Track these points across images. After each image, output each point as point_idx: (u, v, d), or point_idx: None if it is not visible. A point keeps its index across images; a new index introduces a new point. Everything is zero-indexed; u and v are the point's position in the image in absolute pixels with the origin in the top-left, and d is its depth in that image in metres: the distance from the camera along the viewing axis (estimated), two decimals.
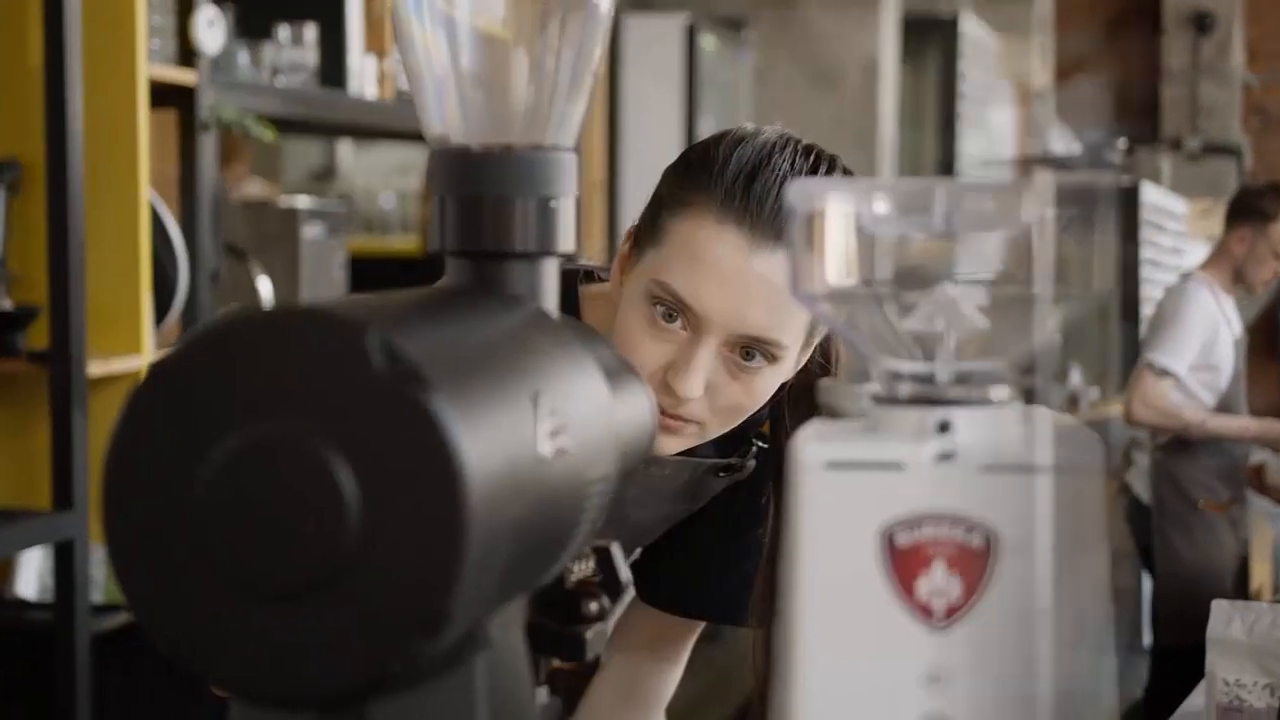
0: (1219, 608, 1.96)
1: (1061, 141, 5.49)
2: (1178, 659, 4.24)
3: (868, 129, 5.58)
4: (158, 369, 0.63)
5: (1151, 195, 7.22)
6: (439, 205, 0.79)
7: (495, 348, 0.70)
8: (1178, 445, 4.34)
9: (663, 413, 1.26)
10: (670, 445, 1.30)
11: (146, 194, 2.48)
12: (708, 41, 6.08)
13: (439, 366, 0.62)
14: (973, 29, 7.47)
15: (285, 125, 3.18)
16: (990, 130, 8.25)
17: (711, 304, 1.23)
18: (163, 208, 2.57)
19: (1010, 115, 9.00)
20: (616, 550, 0.89)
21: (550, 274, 0.81)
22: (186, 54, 2.64)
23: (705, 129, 6.46)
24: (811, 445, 0.69)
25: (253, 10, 3.00)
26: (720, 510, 1.45)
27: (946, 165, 7.39)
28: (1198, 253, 8.44)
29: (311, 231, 3.04)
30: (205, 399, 0.62)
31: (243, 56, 2.92)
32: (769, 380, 1.28)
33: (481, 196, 0.79)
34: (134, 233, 2.47)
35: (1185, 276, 4.53)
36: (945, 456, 0.68)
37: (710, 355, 1.25)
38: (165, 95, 2.61)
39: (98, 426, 2.37)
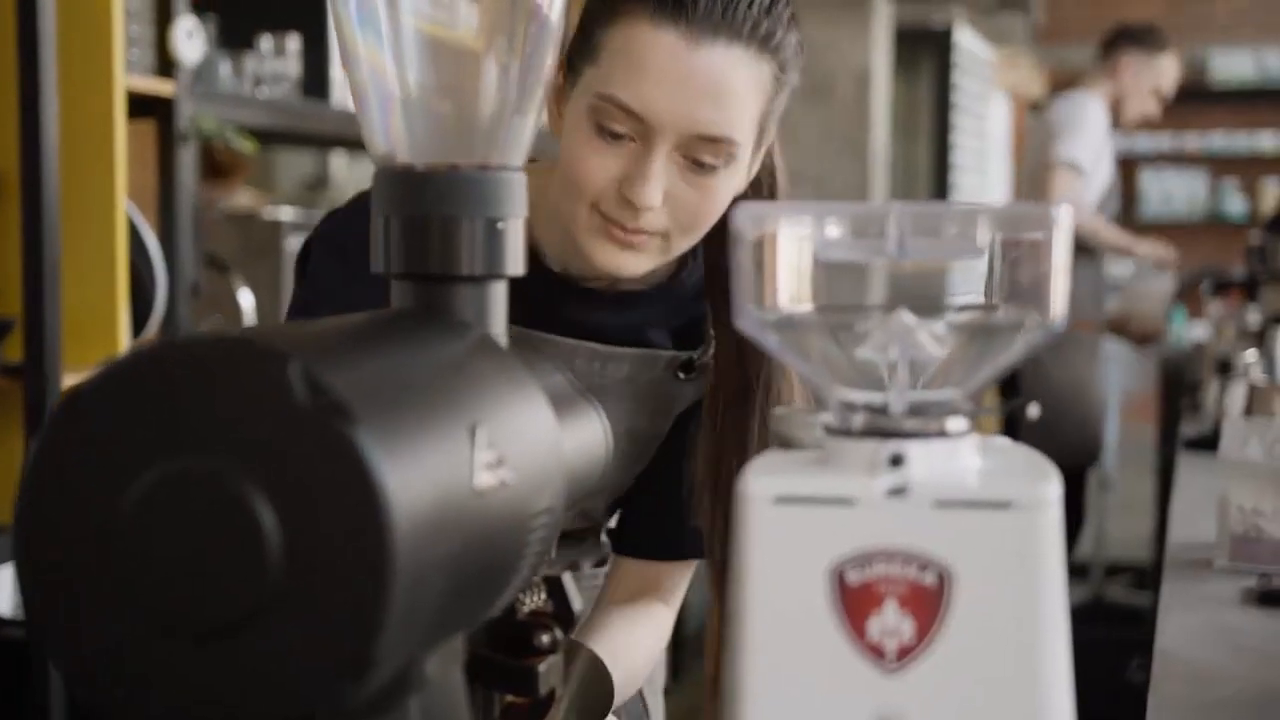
0: (1233, 426, 1.84)
1: None
2: None
3: (860, 139, 5.56)
4: (75, 397, 0.60)
5: (965, 39, 7.25)
6: (383, 226, 0.77)
7: (432, 377, 0.67)
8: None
9: (623, 228, 1.24)
10: (636, 263, 1.27)
11: (124, 205, 2.45)
12: None
13: (366, 398, 0.59)
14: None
15: (267, 136, 3.15)
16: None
17: (658, 107, 1.20)
18: (140, 219, 2.54)
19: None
20: (568, 580, 0.86)
21: (499, 297, 0.78)
22: (166, 65, 2.61)
23: None
24: (760, 479, 0.67)
25: (235, 20, 2.97)
26: (679, 444, 1.42)
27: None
28: (999, 103, 8.52)
29: (296, 243, 3.01)
30: (124, 430, 0.60)
31: (224, 67, 2.90)
32: (725, 184, 1.25)
33: (427, 217, 0.76)
34: (111, 244, 2.44)
35: (1055, 99, 4.69)
36: (897, 491, 0.66)
37: (664, 161, 1.22)
38: (144, 106, 2.59)
39: None
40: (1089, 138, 4.28)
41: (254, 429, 0.58)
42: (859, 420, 0.69)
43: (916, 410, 0.69)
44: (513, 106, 0.80)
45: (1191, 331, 6.52)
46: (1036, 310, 0.68)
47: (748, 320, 0.69)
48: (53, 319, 2.30)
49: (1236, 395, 2.95)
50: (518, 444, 0.69)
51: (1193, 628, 1.54)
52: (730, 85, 1.20)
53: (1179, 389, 4.72)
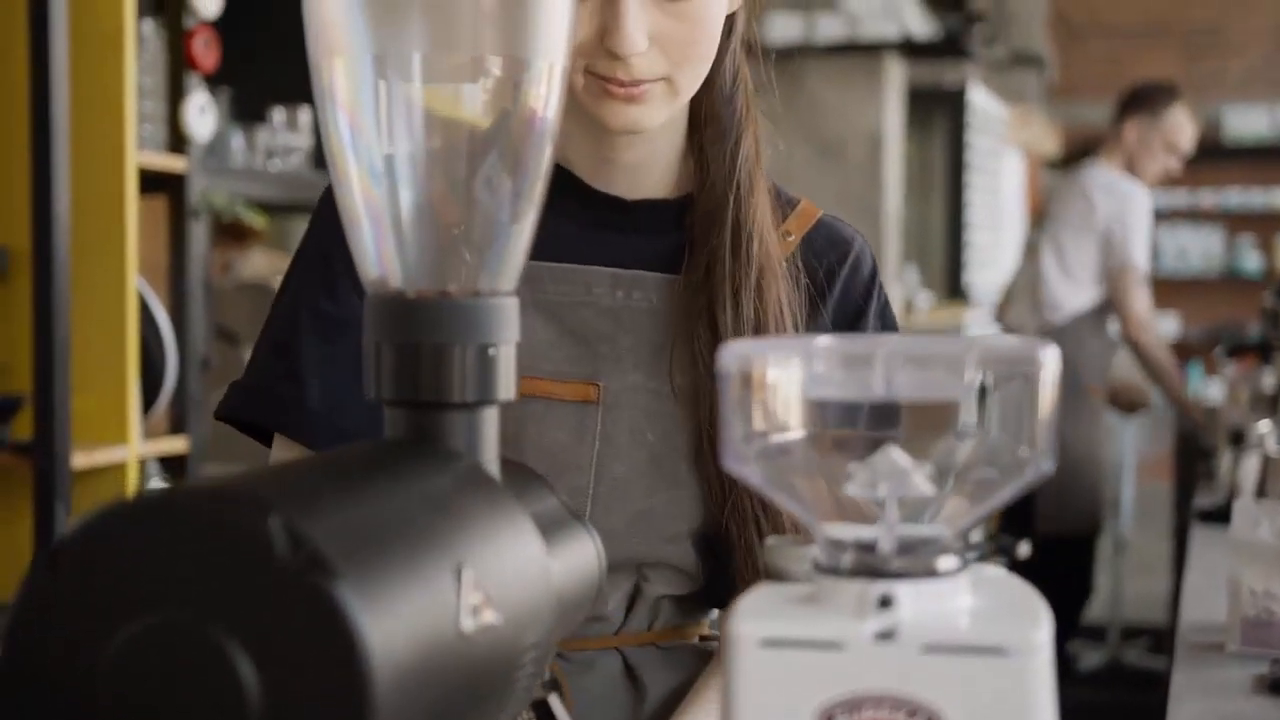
0: (1243, 507, 1.81)
1: (919, 22, 5.48)
2: (1059, 549, 4.25)
3: (873, 202, 5.57)
4: (58, 548, 0.60)
5: (978, 98, 7.25)
6: (374, 352, 0.77)
7: (418, 517, 0.67)
8: (1069, 329, 4.36)
9: (619, 83, 1.17)
10: (648, 115, 1.20)
11: (134, 282, 2.46)
12: None
13: (348, 548, 0.59)
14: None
15: (279, 207, 3.17)
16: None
17: None
18: (151, 295, 2.55)
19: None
20: (555, 702, 0.86)
21: (490, 423, 0.78)
22: (178, 140, 2.63)
23: None
24: (748, 621, 0.66)
25: (248, 94, 2.99)
26: None
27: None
28: (1013, 160, 8.55)
29: None
30: (106, 582, 0.59)
31: (237, 140, 2.91)
32: (709, 4, 1.18)
33: (418, 345, 0.76)
34: (121, 321, 2.45)
35: (1084, 167, 4.61)
36: (886, 635, 0.65)
37: (636, 2, 1.15)
38: (156, 181, 2.60)
39: None
40: (1146, 236, 4.33)
41: (235, 582, 0.58)
42: (847, 559, 0.68)
43: (906, 548, 0.68)
44: (506, 226, 0.80)
45: (1208, 389, 6.50)
46: (1027, 448, 0.68)
47: (733, 457, 0.69)
48: (62, 397, 2.31)
49: (1250, 467, 2.94)
50: (505, 581, 0.69)
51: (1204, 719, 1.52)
52: None
53: (1193, 451, 4.70)
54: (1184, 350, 10.10)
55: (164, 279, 2.63)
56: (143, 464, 2.58)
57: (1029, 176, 9.37)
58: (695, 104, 1.26)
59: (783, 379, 0.69)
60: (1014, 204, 8.89)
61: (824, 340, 0.71)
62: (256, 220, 2.73)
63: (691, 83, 1.20)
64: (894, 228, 5.77)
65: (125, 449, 2.47)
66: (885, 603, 0.66)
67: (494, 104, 0.78)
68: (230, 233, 3.55)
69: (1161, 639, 5.17)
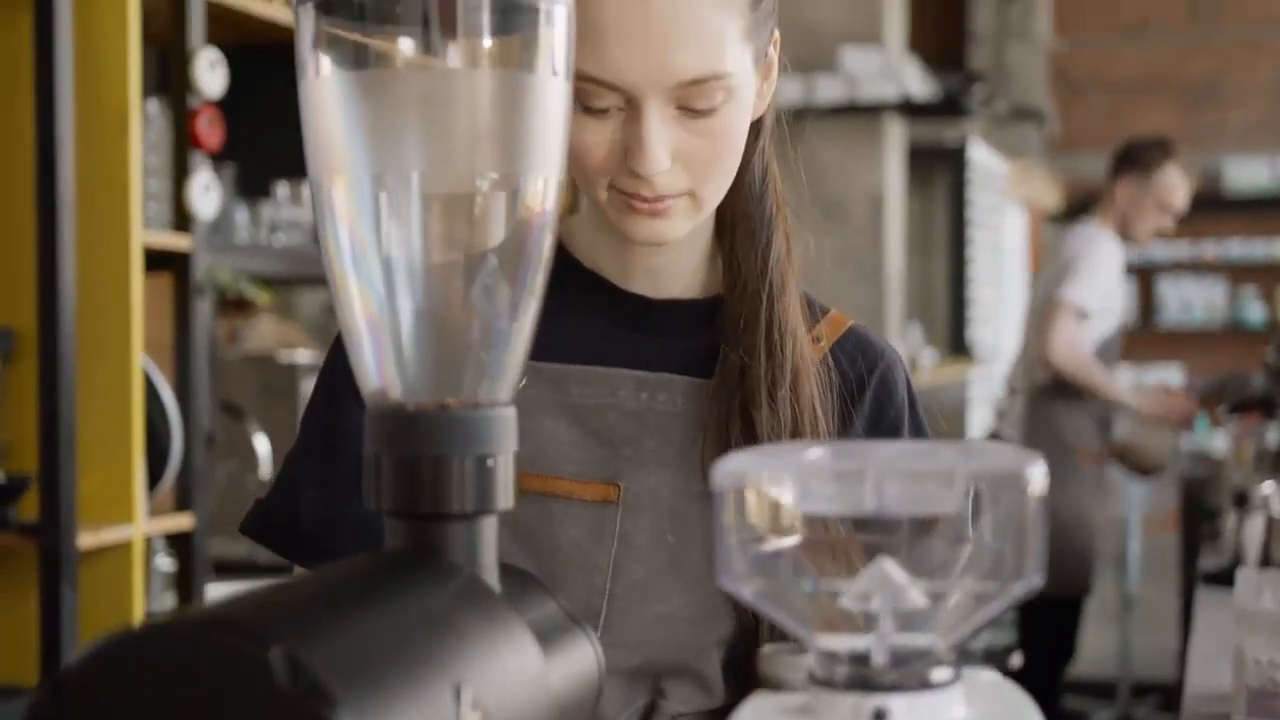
0: (1245, 577, 1.81)
1: (919, 83, 5.51)
2: (1043, 613, 4.23)
3: (874, 262, 5.59)
4: (60, 679, 0.61)
5: (979, 155, 7.28)
6: (374, 464, 0.78)
7: (415, 637, 0.68)
8: (1057, 389, 4.35)
9: (643, 199, 1.16)
10: (671, 228, 1.18)
11: (139, 360, 2.48)
12: None
13: (347, 675, 0.60)
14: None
15: (284, 281, 3.19)
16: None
17: (627, 69, 1.11)
18: (156, 373, 2.57)
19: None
20: None
21: (489, 532, 0.79)
22: (183, 218, 2.65)
23: None
24: None
25: (252, 168, 3.02)
26: None
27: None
28: (1015, 214, 8.57)
29: (311, 386, 3.03)
30: (108, 711, 0.60)
31: (241, 214, 2.94)
32: (733, 118, 1.16)
33: (418, 457, 0.77)
34: (126, 400, 2.46)
35: (1075, 224, 4.73)
36: None
37: (658, 120, 1.12)
38: (161, 259, 2.62)
39: (88, 600, 2.35)
40: (1099, 280, 4.32)
41: (238, 712, 0.59)
42: (841, 672, 0.69)
43: (899, 660, 0.69)
44: (505, 335, 0.81)
45: (1213, 441, 6.49)
46: (1017, 561, 0.69)
47: (726, 572, 0.70)
48: (68, 477, 2.32)
49: (1255, 529, 2.93)
50: (503, 697, 0.70)
51: None
52: (696, 19, 1.11)
53: (1199, 508, 4.69)
54: None
55: (169, 356, 2.65)
56: (148, 542, 2.59)
57: (1031, 231, 9.40)
58: (722, 205, 1.25)
59: (776, 494, 0.70)
60: (1017, 259, 8.91)
61: (815, 454, 0.72)
62: (260, 297, 2.75)
63: (715, 195, 1.19)
64: (896, 287, 5.79)
65: (131, 528, 2.47)
66: (880, 717, 0.67)
67: (491, 219, 0.79)
68: (237, 302, 3.58)
69: (1171, 696, 5.16)
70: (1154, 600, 6.27)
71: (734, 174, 1.19)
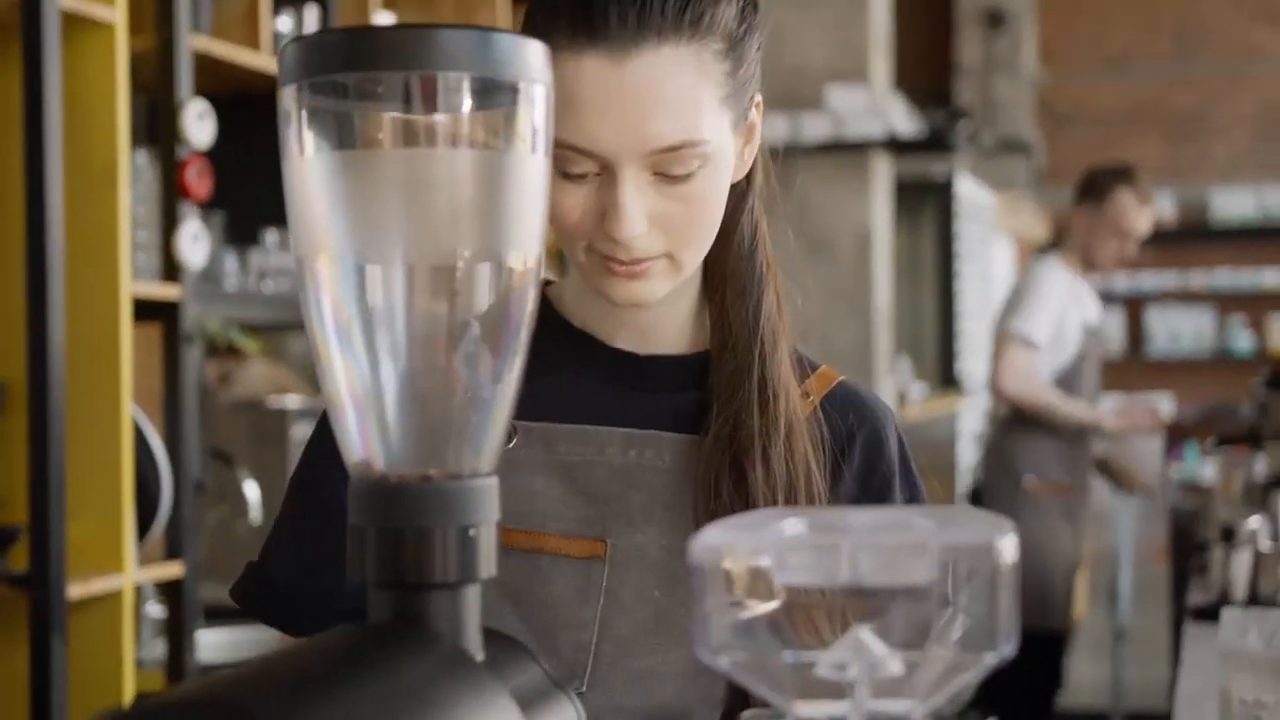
0: (1231, 617, 1.81)
1: (904, 121, 5.53)
2: (1023, 646, 4.19)
3: (863, 297, 5.61)
4: None
5: (966, 188, 7.30)
6: (358, 536, 0.79)
7: (399, 710, 0.69)
8: (1014, 422, 4.36)
9: (619, 262, 1.17)
10: (650, 290, 1.19)
11: (129, 411, 2.49)
12: None
13: None
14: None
15: (273, 327, 3.20)
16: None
17: (602, 136, 1.12)
18: (146, 423, 2.58)
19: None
20: None
21: (472, 601, 0.80)
22: (171, 268, 2.66)
23: None
24: None
25: (240, 216, 3.03)
26: None
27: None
28: (1003, 246, 8.61)
29: (301, 431, 3.04)
30: None
31: (230, 262, 2.95)
32: (710, 183, 1.17)
33: (402, 529, 0.78)
34: (116, 451, 2.47)
35: (1042, 255, 4.73)
36: None
37: (633, 187, 1.13)
38: (150, 309, 2.63)
39: (78, 650, 2.35)
40: (1048, 310, 4.32)
41: None
42: None
43: None
44: (487, 405, 0.82)
45: (1203, 470, 6.50)
46: (990, 628, 0.70)
47: (704, 644, 0.71)
48: (58, 529, 2.33)
49: (1241, 564, 2.95)
50: None
51: None
52: (670, 87, 1.13)
53: (1188, 540, 4.70)
54: (1178, 431, 10.14)
55: (158, 405, 2.66)
56: (139, 591, 2.59)
57: (1019, 262, 9.44)
58: (711, 261, 1.26)
59: (753, 567, 0.71)
60: (1005, 290, 8.94)
61: (792, 526, 0.73)
62: (249, 345, 2.77)
63: (694, 257, 1.20)
64: (884, 322, 5.81)
65: (121, 577, 2.48)
66: None
67: (473, 293, 0.81)
68: (229, 345, 3.59)
69: None
70: (1146, 632, 6.28)
71: (713, 235, 1.20)
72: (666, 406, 1.28)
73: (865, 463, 1.30)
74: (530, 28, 1.17)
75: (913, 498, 1.32)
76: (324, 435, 1.29)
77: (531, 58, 0.79)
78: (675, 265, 1.19)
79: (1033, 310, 4.29)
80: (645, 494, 1.25)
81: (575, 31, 1.12)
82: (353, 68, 0.78)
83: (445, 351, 0.81)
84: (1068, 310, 4.37)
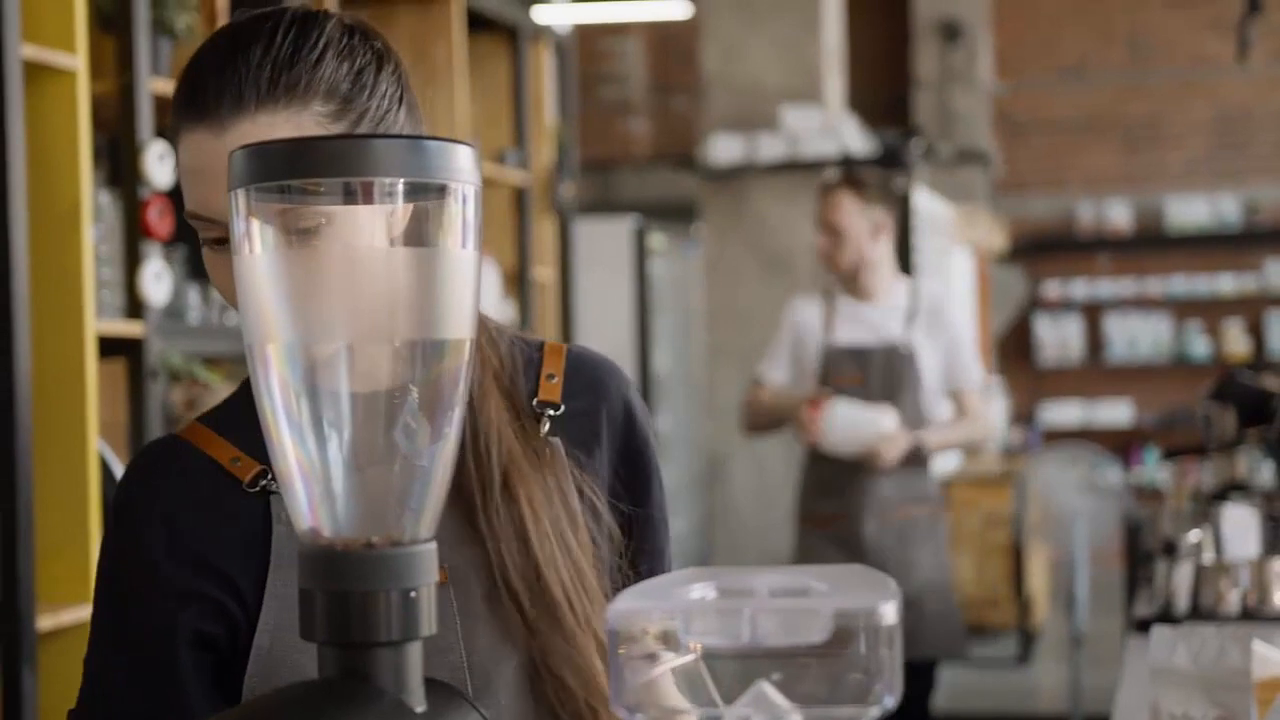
0: (1160, 634, 1.87)
1: (858, 140, 5.54)
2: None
3: None
4: None
5: (924, 202, 7.39)
6: (308, 598, 0.87)
7: None
8: (808, 455, 4.18)
9: None
10: None
11: (95, 445, 2.55)
12: (656, 240, 6.25)
13: None
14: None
15: (236, 359, 3.26)
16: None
17: (214, 202, 1.19)
18: (111, 456, 2.64)
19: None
20: None
21: (414, 656, 0.87)
22: (135, 305, 2.73)
23: (658, 324, 6.64)
24: None
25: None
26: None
27: None
28: (963, 257, 8.71)
29: None
30: None
31: (193, 295, 3.01)
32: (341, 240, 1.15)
33: (348, 592, 0.86)
34: (83, 484, 2.53)
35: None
36: None
37: None
38: (114, 346, 2.70)
39: (48, 681, 2.41)
40: (780, 349, 4.17)
41: None
42: None
43: None
44: (426, 473, 0.90)
45: (1160, 475, 6.59)
46: (877, 683, 0.77)
47: (619, 702, 0.78)
48: (26, 561, 2.39)
49: (1184, 576, 3.02)
50: None
51: None
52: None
53: (1138, 547, 4.79)
54: (1138, 436, 10.28)
55: (124, 438, 2.72)
56: None
57: (979, 273, 9.54)
58: None
59: (663, 630, 0.78)
60: (965, 300, 9.04)
61: (699, 591, 0.81)
62: (211, 378, 2.83)
63: None
64: None
65: (88, 609, 2.53)
66: None
67: (410, 373, 0.88)
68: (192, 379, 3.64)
69: None
70: (1105, 634, 6.38)
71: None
72: None
73: (616, 428, 1.36)
74: (170, 115, 1.25)
75: (647, 453, 1.37)
76: (125, 550, 1.29)
77: (461, 161, 0.87)
78: None
79: (770, 351, 4.19)
80: (452, 520, 1.29)
81: (187, 110, 1.21)
82: (296, 174, 0.85)
83: (384, 429, 0.89)
84: (805, 338, 4.14)
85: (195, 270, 3.07)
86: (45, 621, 2.44)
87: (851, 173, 4.21)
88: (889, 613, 0.76)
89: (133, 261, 2.71)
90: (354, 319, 0.87)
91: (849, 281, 4.11)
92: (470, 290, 0.89)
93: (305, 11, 1.24)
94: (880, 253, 4.08)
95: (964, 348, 4.16)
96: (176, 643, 1.25)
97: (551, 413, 1.32)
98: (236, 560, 1.26)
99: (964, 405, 4.15)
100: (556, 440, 1.32)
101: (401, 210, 0.87)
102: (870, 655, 0.77)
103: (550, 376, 1.35)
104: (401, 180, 0.85)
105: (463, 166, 0.87)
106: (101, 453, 2.60)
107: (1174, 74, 10.31)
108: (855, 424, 3.93)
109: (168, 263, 2.80)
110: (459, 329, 0.88)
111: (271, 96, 1.20)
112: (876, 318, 4.11)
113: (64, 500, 2.52)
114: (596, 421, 1.35)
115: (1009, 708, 6.43)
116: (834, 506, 4.09)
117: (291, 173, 0.85)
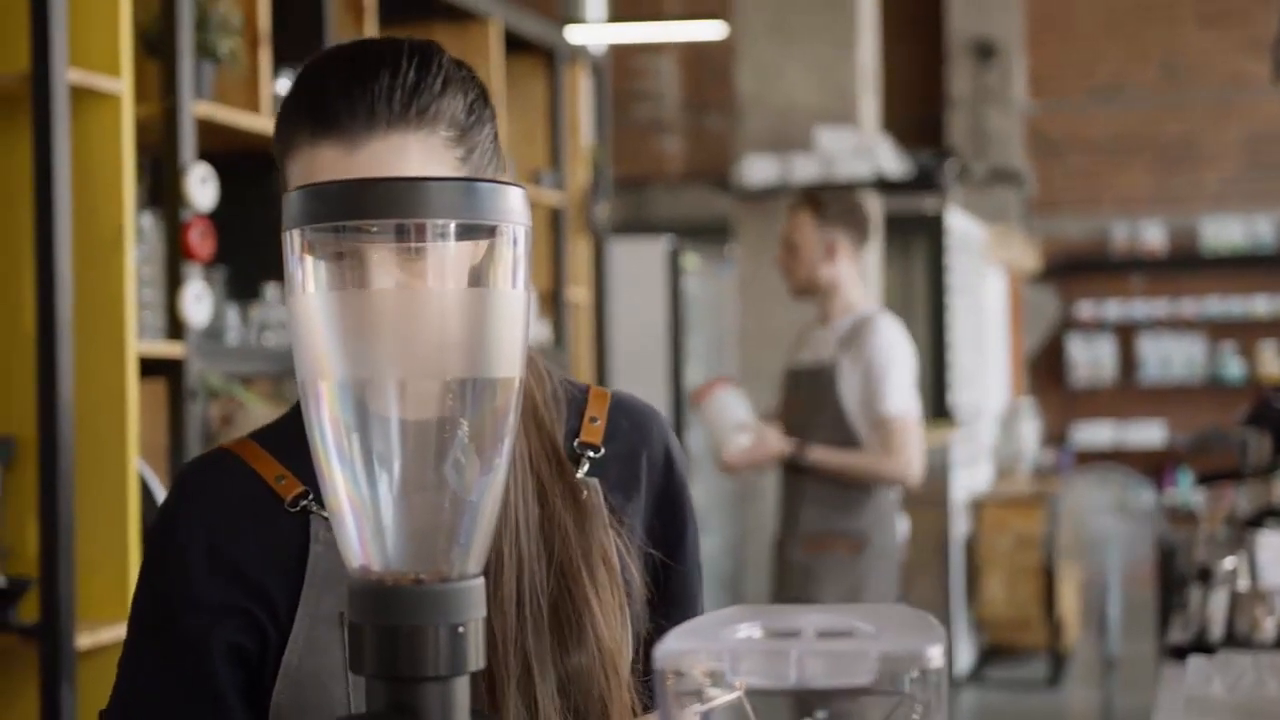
0: (1196, 664, 1.88)
1: (892, 162, 5.53)
2: None
3: None
4: None
5: (957, 222, 7.38)
6: (357, 632, 0.88)
7: None
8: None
9: None
10: None
11: (135, 465, 2.57)
12: (690, 260, 6.27)
13: None
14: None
15: (275, 378, 3.29)
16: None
17: None
18: (151, 476, 2.66)
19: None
20: None
21: (462, 691, 0.88)
22: (176, 327, 2.75)
23: (691, 344, 6.65)
24: None
25: (242, 272, 3.12)
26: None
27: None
28: (996, 277, 8.69)
29: None
30: None
31: (232, 316, 3.04)
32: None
33: (397, 627, 0.87)
34: (123, 504, 2.56)
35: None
36: None
37: (381, 268, 1.08)
38: (155, 366, 2.72)
39: (87, 699, 2.43)
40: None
41: None
42: None
43: None
44: (473, 507, 0.91)
45: (1195, 497, 6.56)
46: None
47: None
48: (67, 580, 2.41)
49: (1219, 604, 3.01)
50: None
51: None
52: (399, 171, 1.22)
53: (1172, 570, 4.76)
54: (1170, 457, 10.24)
55: (163, 458, 2.75)
56: None
57: (1011, 293, 9.52)
58: None
59: (709, 670, 0.79)
60: (998, 321, 9.03)
61: (745, 632, 0.82)
62: (248, 398, 2.85)
63: None
64: None
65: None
66: None
67: (460, 411, 0.89)
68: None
69: None
70: (1138, 657, 6.35)
71: None
72: None
73: (656, 473, 1.37)
74: (280, 126, 1.26)
75: (683, 505, 1.39)
76: (167, 557, 1.28)
77: (512, 202, 0.88)
78: None
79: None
80: None
81: (315, 125, 1.22)
82: (351, 216, 0.86)
83: (434, 462, 0.90)
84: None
85: (236, 291, 3.10)
86: (84, 640, 2.46)
87: (814, 193, 4.20)
88: (935, 656, 0.77)
89: (174, 283, 2.74)
90: (405, 358, 0.88)
91: (817, 302, 4.13)
92: (520, 329, 0.90)
93: (422, 41, 1.27)
94: (836, 275, 4.04)
95: (885, 373, 3.96)
96: (212, 652, 1.26)
97: (591, 454, 1.33)
98: (272, 575, 1.26)
99: (883, 436, 3.95)
100: (594, 481, 1.32)
101: (454, 251, 0.89)
102: (917, 697, 0.78)
103: (593, 420, 1.36)
104: (453, 222, 0.86)
105: (514, 208, 0.88)
106: (141, 473, 2.62)
107: (1209, 94, 10.28)
108: (722, 410, 3.99)
109: (208, 284, 2.83)
110: (509, 367, 0.89)
111: (404, 119, 1.23)
112: (824, 339, 4.09)
113: (104, 519, 2.54)
114: (637, 466, 1.36)
115: None
116: (780, 527, 4.12)
117: (346, 214, 0.86)
